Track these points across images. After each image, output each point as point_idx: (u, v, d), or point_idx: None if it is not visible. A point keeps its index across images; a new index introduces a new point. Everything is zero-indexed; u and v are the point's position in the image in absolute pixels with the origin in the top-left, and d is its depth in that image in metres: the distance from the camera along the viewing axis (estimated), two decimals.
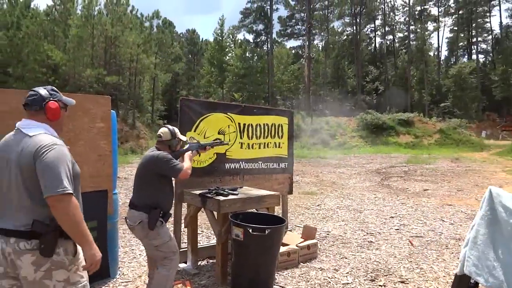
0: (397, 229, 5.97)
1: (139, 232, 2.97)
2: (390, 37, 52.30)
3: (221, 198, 3.67)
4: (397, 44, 52.21)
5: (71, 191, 1.82)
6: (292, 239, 4.54)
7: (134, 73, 29.12)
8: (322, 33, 49.47)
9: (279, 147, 5.20)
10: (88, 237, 1.89)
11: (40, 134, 1.92)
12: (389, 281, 3.91)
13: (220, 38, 41.90)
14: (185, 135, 4.24)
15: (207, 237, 5.42)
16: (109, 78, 24.52)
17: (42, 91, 2.04)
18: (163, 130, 3.25)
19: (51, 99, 2.02)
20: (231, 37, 45.47)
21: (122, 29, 26.07)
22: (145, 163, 3.07)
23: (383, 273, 4.13)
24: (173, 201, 3.39)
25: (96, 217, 3.54)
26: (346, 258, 4.59)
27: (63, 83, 24.32)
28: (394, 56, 50.51)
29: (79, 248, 1.95)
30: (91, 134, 3.63)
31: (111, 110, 3.82)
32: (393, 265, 4.36)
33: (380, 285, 3.81)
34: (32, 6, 27.76)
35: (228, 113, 4.64)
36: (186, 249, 4.25)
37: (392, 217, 6.78)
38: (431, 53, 50.71)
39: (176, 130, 3.30)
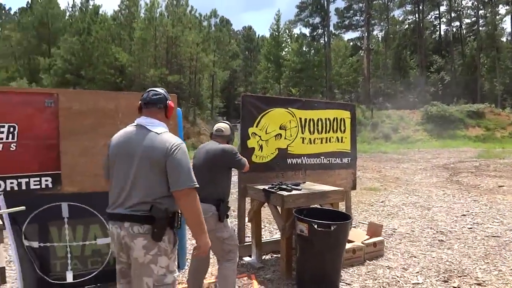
0: (470, 228, 5.60)
1: (209, 224, 3.04)
2: (457, 23, 48.97)
3: (285, 193, 3.67)
4: (464, 31, 48.78)
5: (197, 185, 2.04)
6: (357, 236, 4.43)
7: (194, 71, 29.99)
8: (382, 23, 47.55)
9: (341, 141, 5.09)
10: (204, 227, 2.12)
11: (166, 133, 2.13)
12: (463, 283, 3.68)
13: (277, 34, 41.83)
14: (247, 131, 4.30)
15: (269, 232, 5.45)
16: (171, 77, 25.50)
17: (163, 91, 2.27)
18: (224, 126, 3.29)
19: (169, 99, 2.28)
20: (287, 32, 45.22)
21: (182, 29, 26.94)
22: (214, 156, 3.10)
23: (457, 274, 3.90)
24: None
25: None
26: (415, 257, 4.39)
27: (129, 83, 25.71)
28: (462, 43, 47.27)
29: (176, 239, 2.15)
30: None
31: (178, 108, 3.96)
32: (467, 266, 4.11)
33: (454, 287, 3.60)
34: (100, 12, 29.58)
35: (289, 108, 4.61)
36: (250, 243, 4.31)
37: (464, 215, 6.38)
38: (503, 39, 46.79)
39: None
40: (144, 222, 2.02)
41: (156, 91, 2.27)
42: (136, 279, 2.09)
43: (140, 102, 2.26)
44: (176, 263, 2.20)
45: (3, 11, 58.24)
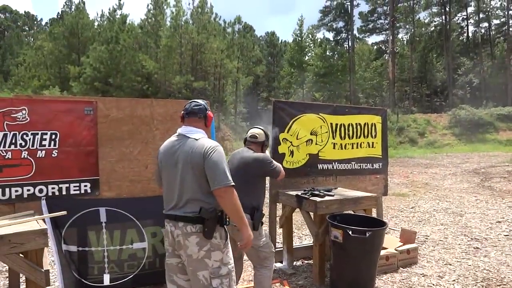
0: (507, 235, 5.43)
1: None
2: (485, 24, 47.66)
3: (318, 199, 3.66)
4: (493, 32, 47.39)
5: (234, 184, 2.21)
6: (390, 243, 4.37)
7: (218, 77, 30.27)
8: (407, 26, 46.74)
9: (372, 147, 5.04)
10: (246, 221, 2.32)
11: (203, 138, 2.33)
12: None
13: (300, 39, 41.76)
14: (278, 137, 4.32)
15: (298, 238, 5.43)
16: (196, 83, 25.81)
17: (203, 102, 2.48)
18: (258, 131, 3.29)
19: (209, 110, 2.48)
20: (310, 36, 45.09)
21: (207, 36, 27.26)
22: (246, 165, 3.10)
23: (495, 282, 3.78)
24: None
25: None
26: (450, 264, 4.29)
27: (156, 90, 26.17)
28: (491, 45, 45.92)
29: (227, 234, 2.34)
30: None
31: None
32: (506, 274, 3.98)
33: None
34: (127, 21, 30.28)
35: (320, 114, 4.61)
36: (282, 249, 4.31)
37: (499, 222, 6.18)
38: None
39: (269, 134, 3.38)
40: (195, 222, 2.22)
41: (197, 102, 2.48)
42: (192, 276, 2.25)
43: (182, 112, 2.45)
44: (231, 256, 2.35)
45: (35, 22, 60.52)
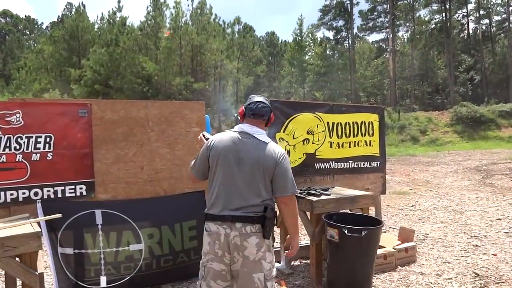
0: (507, 233, 5.40)
1: None
2: (486, 21, 47.53)
3: (314, 198, 3.65)
4: (494, 29, 47.24)
5: (298, 191, 2.24)
6: (388, 241, 4.35)
7: (218, 78, 30.29)
8: (407, 24, 46.67)
9: (370, 145, 5.02)
10: (298, 229, 2.42)
11: (272, 142, 2.37)
12: None
13: (300, 38, 41.72)
14: (274, 137, 4.30)
15: None
16: (196, 84, 25.80)
17: (268, 102, 2.45)
18: None
19: (272, 111, 2.48)
20: (310, 36, 45.05)
21: (206, 37, 27.27)
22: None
23: (494, 280, 3.76)
24: None
25: (195, 217, 3.72)
26: (449, 262, 4.27)
27: (156, 92, 26.18)
28: (492, 41, 45.78)
29: (275, 236, 2.38)
30: (188, 139, 3.84)
31: (205, 115, 4.02)
32: (505, 272, 3.96)
33: None
34: (127, 23, 30.33)
35: (316, 113, 4.59)
36: (279, 248, 4.30)
37: (500, 219, 6.15)
38: None
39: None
40: (256, 222, 2.21)
41: (264, 103, 2.42)
42: (245, 277, 2.22)
43: (244, 109, 2.41)
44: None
45: (36, 26, 60.72)
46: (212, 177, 2.34)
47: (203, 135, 2.70)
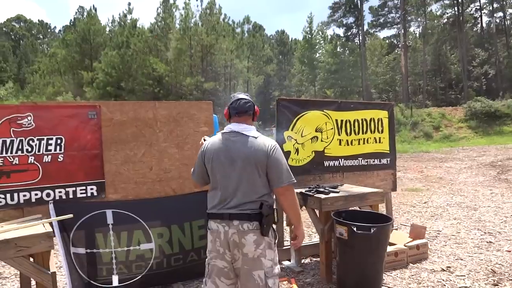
0: None
1: None
2: (500, 14, 46.67)
3: (322, 196, 3.64)
4: (508, 22, 46.36)
5: (295, 181, 2.28)
6: (399, 239, 4.32)
7: (228, 78, 30.40)
8: (419, 19, 46.10)
9: (379, 142, 4.98)
10: (301, 218, 2.40)
11: (261, 136, 2.37)
12: None
13: (310, 36, 41.61)
14: (282, 135, 4.31)
15: (308, 236, 5.41)
16: (206, 84, 25.95)
17: (249, 97, 2.45)
18: None
19: (255, 104, 2.47)
20: (320, 33, 44.87)
21: (216, 37, 27.40)
22: None
23: (507, 277, 3.70)
24: None
25: (205, 216, 3.73)
26: (461, 259, 4.22)
27: (167, 93, 26.39)
28: (506, 35, 44.91)
29: (276, 233, 2.36)
30: (197, 138, 3.85)
31: (214, 115, 4.04)
32: None
33: None
34: (138, 25, 30.61)
35: (324, 110, 4.58)
36: (289, 247, 4.30)
37: None
38: None
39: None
40: (253, 219, 2.21)
41: (245, 99, 2.43)
42: (246, 275, 2.24)
43: (228, 110, 2.42)
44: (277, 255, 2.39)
45: (49, 30, 61.68)
46: (211, 180, 2.38)
47: (204, 139, 2.74)
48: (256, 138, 2.31)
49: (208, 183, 2.44)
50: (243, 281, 2.26)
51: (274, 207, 2.33)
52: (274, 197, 2.38)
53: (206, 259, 2.40)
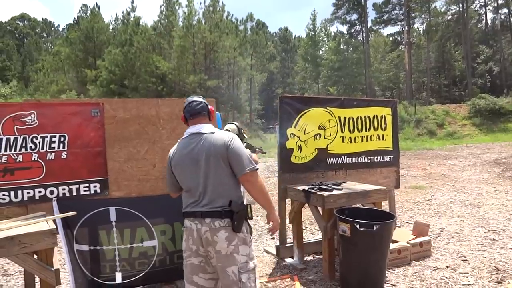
0: None
1: None
2: (505, 10, 46.32)
3: (325, 193, 3.64)
4: None
5: (258, 168, 2.31)
6: (402, 236, 4.31)
7: (232, 75, 30.38)
8: (423, 16, 45.84)
9: (383, 139, 4.97)
10: (272, 204, 2.41)
11: (218, 131, 2.40)
12: None
13: (313, 33, 41.52)
14: (285, 132, 4.30)
15: (311, 233, 5.42)
16: (209, 82, 25.95)
17: (201, 99, 2.50)
18: (231, 126, 3.38)
19: (209, 104, 2.52)
20: (324, 30, 44.75)
21: (219, 35, 27.36)
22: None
23: (511, 274, 3.69)
24: None
25: None
26: (465, 257, 4.20)
27: (170, 90, 26.41)
28: (510, 31, 44.56)
29: (251, 228, 2.39)
30: None
31: (217, 112, 4.04)
32: None
33: None
34: (141, 23, 30.62)
35: (327, 107, 4.57)
36: (292, 244, 4.30)
37: None
38: None
39: (241, 127, 3.43)
40: (224, 217, 2.24)
41: (197, 101, 2.47)
42: (221, 272, 2.27)
43: (184, 113, 2.46)
44: (254, 250, 2.41)
45: (53, 28, 61.83)
46: (182, 184, 2.42)
47: None
48: (213, 133, 2.35)
49: (181, 190, 2.49)
50: (220, 279, 2.30)
51: (246, 203, 2.36)
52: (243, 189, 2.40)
53: (183, 261, 2.44)
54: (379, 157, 4.94)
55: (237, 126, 3.48)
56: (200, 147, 2.31)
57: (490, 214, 6.01)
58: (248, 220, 2.34)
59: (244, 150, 2.32)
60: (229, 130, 3.38)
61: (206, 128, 2.38)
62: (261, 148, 3.96)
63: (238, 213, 2.25)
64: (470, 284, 3.51)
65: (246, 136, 3.49)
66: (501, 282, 3.52)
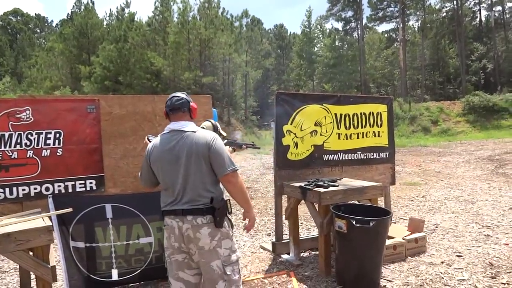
0: None
1: None
2: (499, 8, 46.56)
3: (322, 189, 3.65)
4: (507, 15, 46.28)
5: (238, 168, 2.34)
6: (397, 232, 4.34)
7: (227, 72, 30.30)
8: (418, 13, 45.95)
9: (378, 136, 4.99)
10: (251, 203, 2.48)
11: (200, 130, 2.41)
12: None
13: (308, 30, 41.48)
14: (281, 129, 4.31)
15: (307, 229, 5.43)
16: (205, 79, 25.87)
17: (184, 95, 2.46)
18: (206, 124, 3.36)
19: (191, 101, 2.48)
20: (319, 27, 44.72)
21: (214, 31, 27.25)
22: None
23: (505, 269, 3.73)
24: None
25: None
26: (459, 252, 4.24)
27: (165, 87, 26.30)
28: (504, 29, 44.81)
29: (232, 223, 2.44)
30: None
31: (213, 108, 4.03)
32: None
33: (502, 283, 3.44)
34: (135, 19, 30.42)
35: (323, 104, 4.57)
36: (288, 240, 4.31)
37: None
38: None
39: (218, 124, 3.41)
40: (206, 213, 2.26)
41: (178, 96, 2.46)
42: (205, 267, 2.29)
43: (165, 109, 2.45)
44: (236, 243, 2.45)
45: (46, 24, 61.25)
46: (161, 181, 2.42)
47: (148, 139, 2.74)
48: (195, 132, 2.34)
49: (157, 184, 2.49)
50: (204, 274, 2.32)
51: (225, 198, 2.38)
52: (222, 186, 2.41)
53: (166, 259, 2.45)
54: (374, 153, 4.96)
55: (212, 123, 3.46)
56: (182, 145, 2.30)
57: (484, 210, 6.06)
58: (228, 215, 2.37)
59: (225, 151, 2.34)
60: (204, 128, 3.35)
61: (188, 125, 2.37)
62: (253, 142, 3.95)
63: (219, 209, 2.27)
64: (464, 279, 3.54)
65: (224, 134, 3.47)
66: (495, 277, 3.56)
